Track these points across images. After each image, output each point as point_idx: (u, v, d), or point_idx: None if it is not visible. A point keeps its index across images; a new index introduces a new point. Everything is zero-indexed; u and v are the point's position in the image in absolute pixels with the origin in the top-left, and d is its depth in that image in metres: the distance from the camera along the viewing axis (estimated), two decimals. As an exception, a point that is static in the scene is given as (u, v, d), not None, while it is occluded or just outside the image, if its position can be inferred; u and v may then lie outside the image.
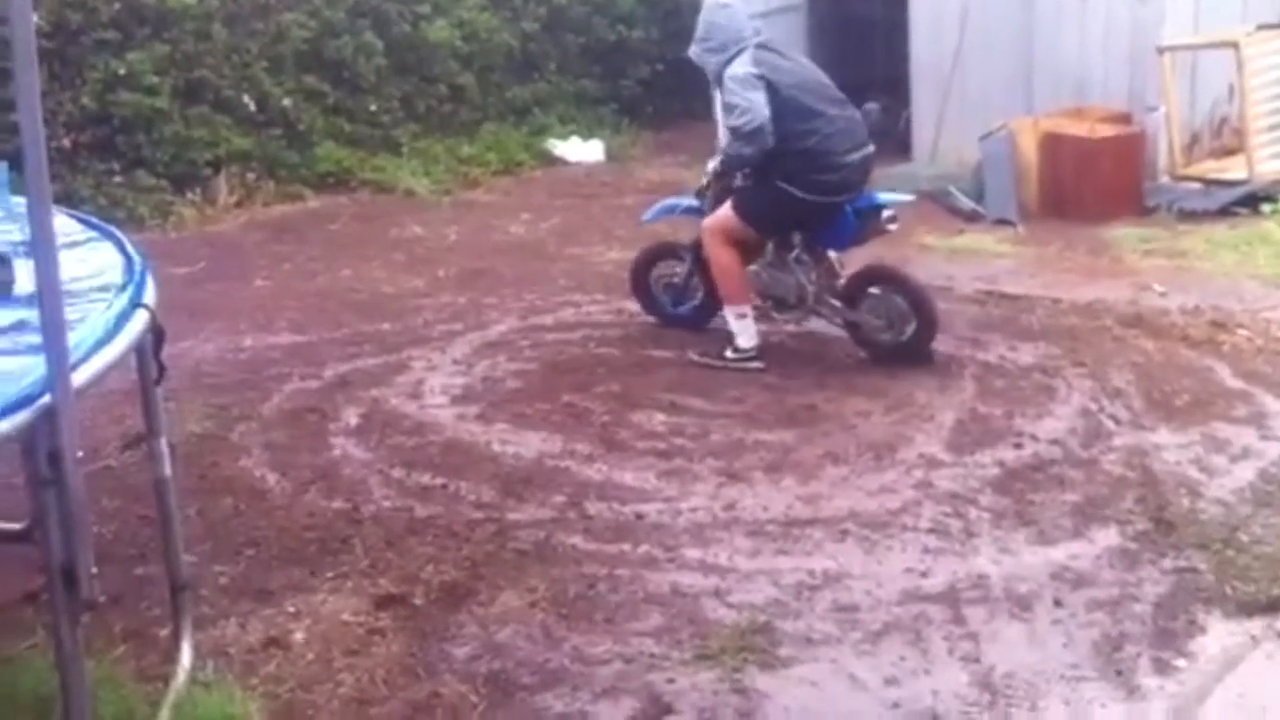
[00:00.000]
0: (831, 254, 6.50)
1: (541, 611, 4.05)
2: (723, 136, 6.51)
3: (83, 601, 2.83)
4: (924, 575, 4.25)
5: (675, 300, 6.97)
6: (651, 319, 7.04)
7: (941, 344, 6.53)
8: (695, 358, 6.42)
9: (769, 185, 6.20)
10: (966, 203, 9.72)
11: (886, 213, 6.37)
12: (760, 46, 6.20)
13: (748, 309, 6.39)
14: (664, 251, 7.06)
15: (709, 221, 6.44)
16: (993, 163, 9.72)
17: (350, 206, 10.61)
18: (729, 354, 6.35)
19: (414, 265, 8.69)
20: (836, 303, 6.45)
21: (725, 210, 6.38)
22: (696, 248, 6.69)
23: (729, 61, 6.16)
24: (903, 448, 5.31)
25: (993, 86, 10.46)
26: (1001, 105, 10.15)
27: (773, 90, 6.05)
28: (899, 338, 6.29)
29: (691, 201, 6.84)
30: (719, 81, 6.25)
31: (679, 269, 6.90)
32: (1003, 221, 9.37)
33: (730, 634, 3.89)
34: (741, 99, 6.05)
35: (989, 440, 5.36)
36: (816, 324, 6.66)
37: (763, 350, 6.36)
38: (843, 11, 12.77)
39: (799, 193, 6.13)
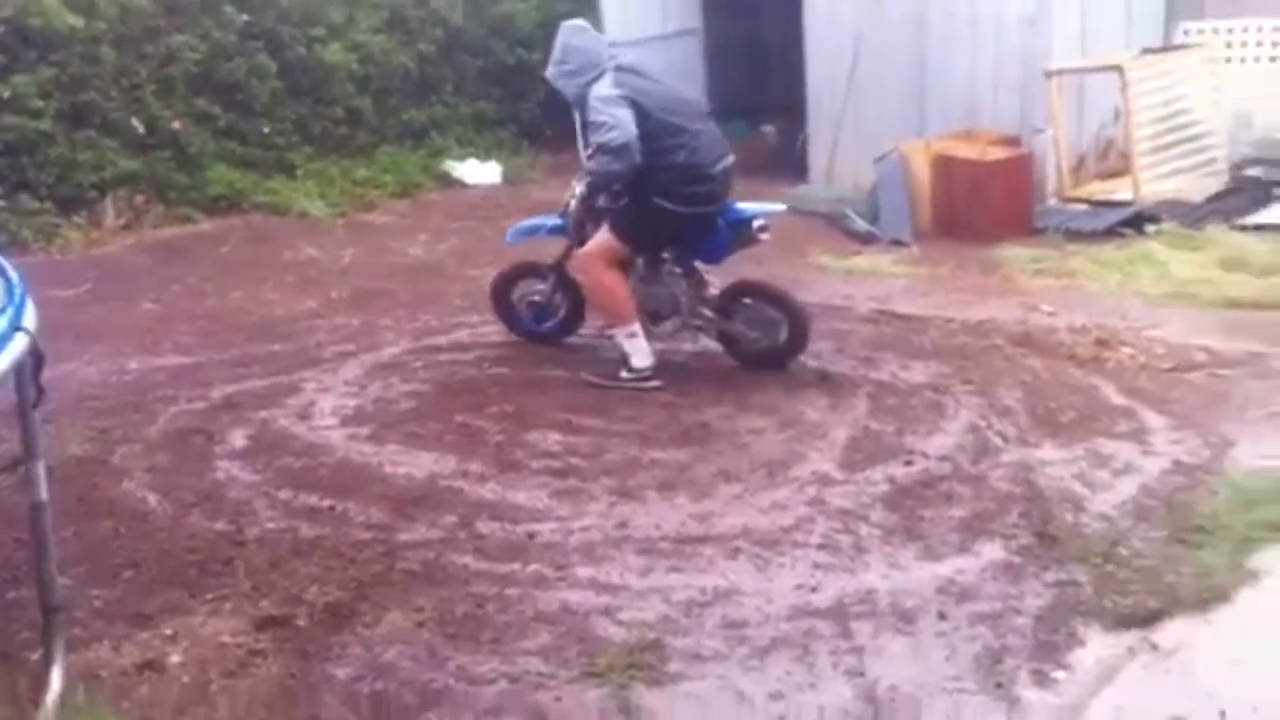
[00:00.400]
0: (700, 267, 6.63)
1: (428, 632, 3.99)
2: (585, 159, 6.52)
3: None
4: (813, 591, 4.25)
5: (538, 317, 7.05)
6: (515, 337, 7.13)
7: (835, 363, 6.61)
8: (590, 379, 6.41)
9: (645, 202, 6.26)
10: (862, 224, 9.86)
11: (757, 222, 6.45)
12: (620, 69, 6.29)
13: (638, 328, 6.42)
14: (525, 271, 7.13)
15: (587, 250, 6.47)
16: (887, 184, 9.88)
17: (242, 229, 10.46)
18: (624, 374, 6.37)
19: (307, 287, 8.58)
20: (709, 314, 6.57)
21: (602, 235, 6.42)
22: (559, 267, 6.85)
23: (590, 84, 6.24)
24: (795, 465, 5.33)
25: (886, 110, 10.66)
26: (895, 128, 10.35)
27: (640, 110, 6.13)
28: (773, 344, 6.48)
29: (555, 221, 6.89)
30: (580, 104, 6.32)
31: (541, 287, 7.00)
32: (897, 242, 9.52)
33: (619, 651, 3.86)
34: (609, 115, 6.12)
35: (880, 457, 5.40)
36: (708, 342, 6.68)
37: (658, 369, 6.38)
38: (739, 36, 12.95)
39: (674, 206, 6.24)
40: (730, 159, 6.39)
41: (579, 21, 6.55)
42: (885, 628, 4.00)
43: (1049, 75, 9.84)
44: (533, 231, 7.13)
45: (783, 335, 6.46)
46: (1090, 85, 10.33)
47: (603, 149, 6.17)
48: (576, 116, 6.53)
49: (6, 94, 9.71)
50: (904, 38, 10.65)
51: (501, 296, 7.14)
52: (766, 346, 6.48)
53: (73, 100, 10.17)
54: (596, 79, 6.24)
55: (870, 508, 4.90)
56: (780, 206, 7.06)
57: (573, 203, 6.65)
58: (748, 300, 6.52)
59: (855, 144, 10.72)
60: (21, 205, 9.66)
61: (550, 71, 6.46)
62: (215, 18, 11.20)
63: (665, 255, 6.55)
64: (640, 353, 6.38)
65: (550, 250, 6.98)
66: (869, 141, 10.40)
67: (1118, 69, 9.81)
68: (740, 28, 12.90)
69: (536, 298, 7.01)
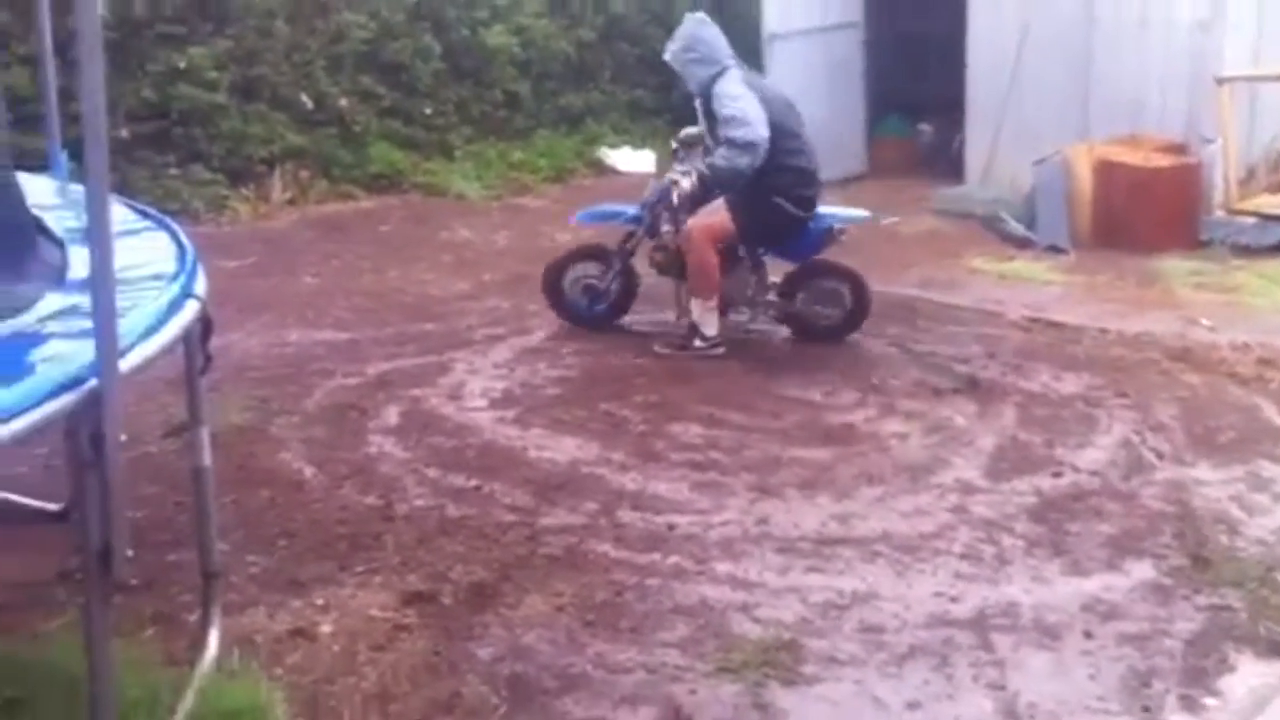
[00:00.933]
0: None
1: (567, 616, 4.05)
2: (709, 150, 6.69)
3: (115, 583, 2.86)
4: (954, 600, 4.21)
5: (591, 301, 7.22)
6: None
7: (985, 370, 6.51)
8: (661, 350, 6.75)
9: (764, 199, 6.52)
10: (1018, 228, 9.67)
11: (838, 227, 6.86)
12: (741, 69, 6.56)
13: (715, 302, 6.73)
14: (585, 254, 7.37)
15: (700, 223, 6.65)
16: (1045, 189, 9.68)
17: (401, 208, 10.70)
18: (697, 343, 6.71)
19: (461, 268, 8.74)
20: (775, 299, 6.96)
21: (720, 216, 6.64)
22: (627, 253, 7.15)
23: (716, 76, 6.39)
24: (940, 471, 5.28)
25: (1048, 111, 10.42)
26: (1056, 130, 10.12)
27: (766, 109, 6.35)
28: (842, 313, 6.93)
29: (633, 212, 7.14)
30: (705, 93, 6.46)
31: (596, 270, 7.20)
32: (1053, 248, 9.32)
33: (754, 649, 3.87)
34: (739, 110, 6.26)
35: (1028, 468, 5.31)
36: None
37: (722, 340, 6.77)
38: (899, 30, 12.76)
39: (790, 208, 6.57)
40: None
41: (703, 15, 6.75)
42: (1027, 642, 3.94)
43: (1220, 82, 9.50)
44: (607, 217, 7.42)
45: (848, 302, 6.88)
46: (1263, 94, 9.96)
47: (732, 143, 6.29)
48: (698, 106, 6.69)
49: (183, 64, 10.06)
50: (1071, 36, 10.38)
51: (554, 278, 7.29)
52: (837, 317, 6.91)
53: (245, 73, 10.51)
54: (722, 73, 6.41)
55: (1015, 519, 4.83)
56: (865, 214, 7.31)
57: (673, 191, 6.76)
58: (813, 281, 6.91)
59: (1014, 145, 10.50)
60: (194, 175, 10.02)
61: (673, 56, 6.61)
62: (385, -3, 11.46)
63: (741, 249, 6.84)
64: (712, 324, 6.71)
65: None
66: (1029, 143, 10.19)
67: (1295, 78, 9.45)
68: (901, 21, 12.72)
69: (592, 281, 7.19)
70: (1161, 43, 9.95)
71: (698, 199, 6.70)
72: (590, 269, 7.23)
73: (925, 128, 12.66)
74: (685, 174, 6.73)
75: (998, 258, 9.13)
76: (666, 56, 6.71)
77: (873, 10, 12.47)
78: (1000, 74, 10.73)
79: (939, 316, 7.61)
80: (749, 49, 11.67)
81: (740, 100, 6.32)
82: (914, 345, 6.97)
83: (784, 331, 7.12)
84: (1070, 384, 6.33)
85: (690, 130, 7.01)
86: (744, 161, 6.30)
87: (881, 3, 12.51)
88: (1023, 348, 6.96)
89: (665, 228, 6.92)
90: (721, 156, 6.40)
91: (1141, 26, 10.03)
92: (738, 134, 6.27)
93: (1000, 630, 4.01)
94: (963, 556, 4.52)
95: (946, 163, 11.71)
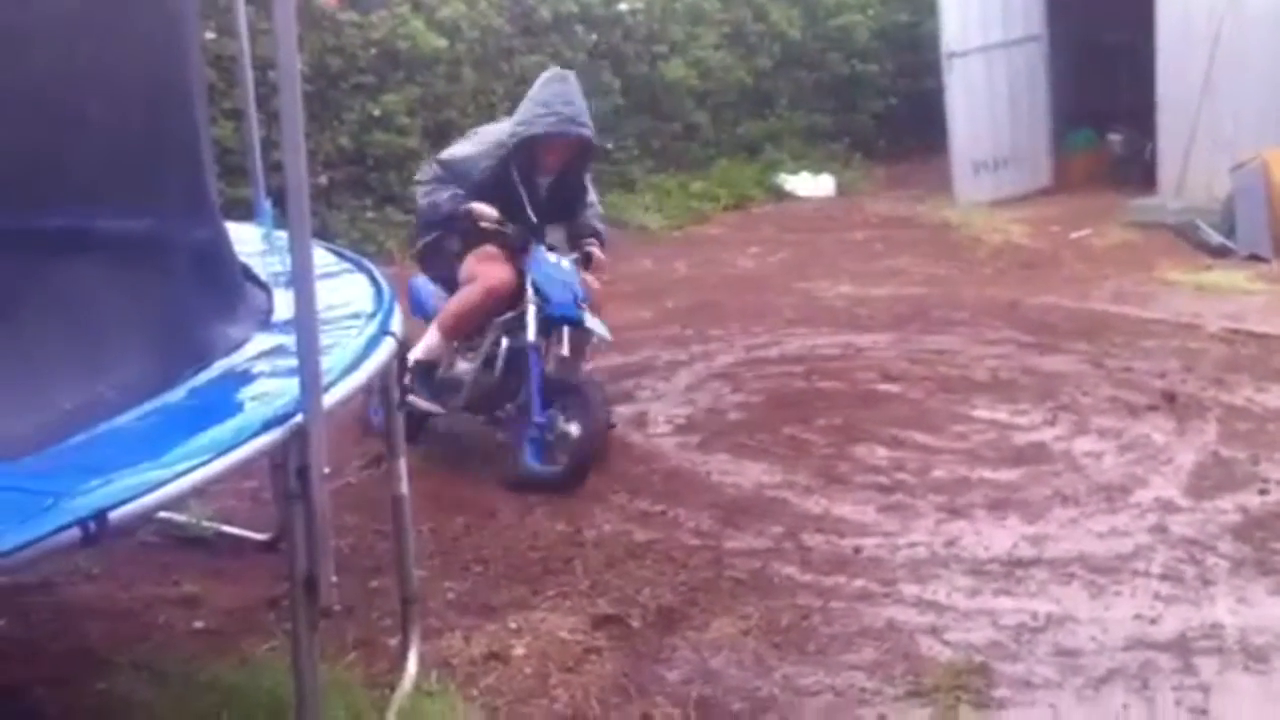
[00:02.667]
0: None
1: (754, 640, 4.07)
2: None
3: (320, 609, 2.99)
4: (1153, 622, 4.08)
5: None
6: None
7: (1183, 384, 6.30)
8: None
9: None
10: (1215, 237, 9.34)
11: None
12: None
13: None
14: None
15: None
16: (1245, 195, 9.32)
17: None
18: None
19: (642, 297, 8.84)
20: None
21: None
22: None
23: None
24: (1137, 490, 5.13)
25: (1244, 115, 10.04)
26: (1254, 135, 9.74)
27: None
28: None
29: None
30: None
31: None
32: (1254, 257, 8.97)
33: (945, 672, 3.82)
34: None
35: (1231, 485, 5.13)
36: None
37: None
38: (1085, 40, 12.45)
39: None
40: None
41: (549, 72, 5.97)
42: (1232, 665, 3.80)
43: None
44: None
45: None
46: None
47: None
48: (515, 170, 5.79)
49: (377, 112, 10.45)
50: (1265, 37, 10.00)
51: None
52: None
53: (435, 118, 10.86)
54: None
55: (1218, 538, 4.66)
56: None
57: None
58: None
59: (1209, 152, 10.14)
60: (389, 218, 10.38)
61: (582, 129, 5.79)
62: (566, 37, 11.72)
63: None
64: None
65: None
66: (1224, 149, 9.83)
67: None
68: (1086, 31, 12.41)
69: None
70: (1367, 36, 9.50)
71: None
72: None
73: (1115, 138, 12.32)
74: None
75: (1194, 268, 8.82)
76: (557, 124, 5.71)
77: (1057, 22, 12.20)
78: (1192, 80, 10.38)
79: (1133, 330, 7.39)
80: (932, 70, 11.59)
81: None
82: (1107, 361, 6.78)
83: None
84: (1275, 397, 6.08)
85: (484, 208, 5.65)
86: None
87: (1066, 14, 12.24)
88: (1223, 361, 6.71)
89: None
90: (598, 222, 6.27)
91: (1341, 23, 9.61)
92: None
93: (1203, 653, 3.88)
94: (1163, 577, 4.38)
95: (1138, 173, 11.37)
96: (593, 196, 6.18)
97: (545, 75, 5.90)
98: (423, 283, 5.95)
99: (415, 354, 5.42)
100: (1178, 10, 10.51)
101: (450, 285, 5.76)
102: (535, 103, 5.71)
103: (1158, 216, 10.11)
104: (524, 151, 5.71)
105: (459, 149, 5.93)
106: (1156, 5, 10.62)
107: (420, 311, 5.82)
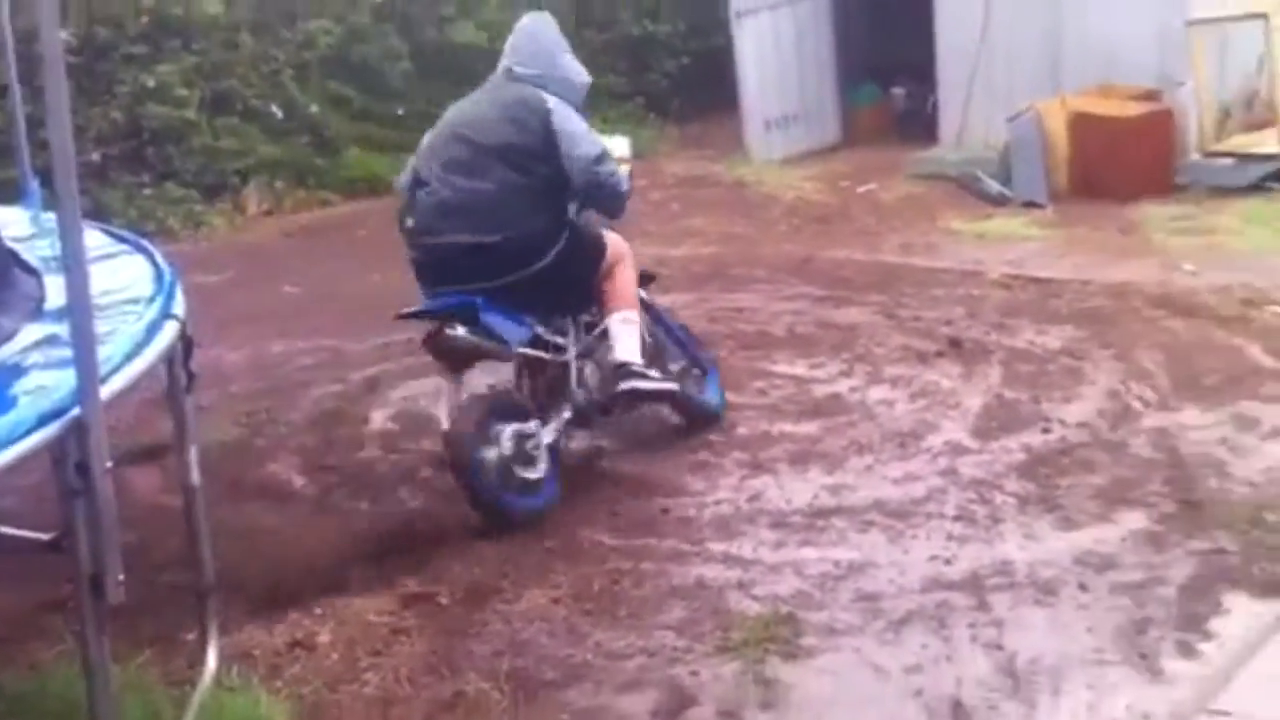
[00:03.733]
0: None
1: (565, 608, 4.06)
2: None
3: (110, 608, 2.88)
4: (948, 563, 4.23)
5: None
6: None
7: (968, 330, 6.53)
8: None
9: None
10: (994, 186, 9.69)
11: None
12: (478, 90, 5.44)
13: None
14: None
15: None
16: (1020, 145, 9.70)
17: (379, 212, 10.59)
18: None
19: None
20: None
21: None
22: None
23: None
24: (928, 435, 5.30)
25: (1019, 68, 10.43)
26: (1029, 87, 10.14)
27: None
28: None
29: None
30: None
31: None
32: (1031, 204, 9.35)
33: (754, 625, 3.88)
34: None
35: (1015, 426, 5.33)
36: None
37: None
38: (866, -3, 12.74)
39: None
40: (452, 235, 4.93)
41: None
42: (1023, 600, 3.97)
43: (1189, 25, 9.51)
44: None
45: None
46: (1233, 35, 9.96)
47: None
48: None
49: (152, 83, 10.04)
50: (1037, -8, 10.39)
51: None
52: None
53: (214, 88, 10.49)
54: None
55: (1005, 477, 4.85)
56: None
57: None
58: None
59: (987, 104, 10.51)
60: (168, 194, 10.01)
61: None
62: (349, 0, 11.42)
63: None
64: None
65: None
66: (1001, 101, 10.21)
67: (1263, 17, 9.45)
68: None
69: None
70: (1129, -10, 9.94)
71: None
72: None
73: (898, 92, 12.65)
74: None
75: (976, 217, 9.16)
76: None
77: (838, -22, 12.45)
78: (969, 34, 10.72)
79: (921, 280, 7.63)
80: (721, 27, 11.69)
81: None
82: (898, 311, 6.98)
83: None
84: (1054, 338, 6.35)
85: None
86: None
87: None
88: (1005, 305, 6.98)
89: None
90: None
91: (1108, -25, 10.03)
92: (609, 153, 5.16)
93: (996, 590, 4.03)
94: (955, 519, 4.55)
95: (922, 126, 11.71)
96: None
97: (531, 22, 5.52)
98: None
99: (633, 350, 4.98)
100: (954, -34, 10.83)
101: None
102: (565, 51, 5.38)
103: (940, 168, 10.44)
104: None
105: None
106: (934, -38, 10.93)
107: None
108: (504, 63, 5.30)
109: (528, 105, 5.01)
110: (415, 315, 4.99)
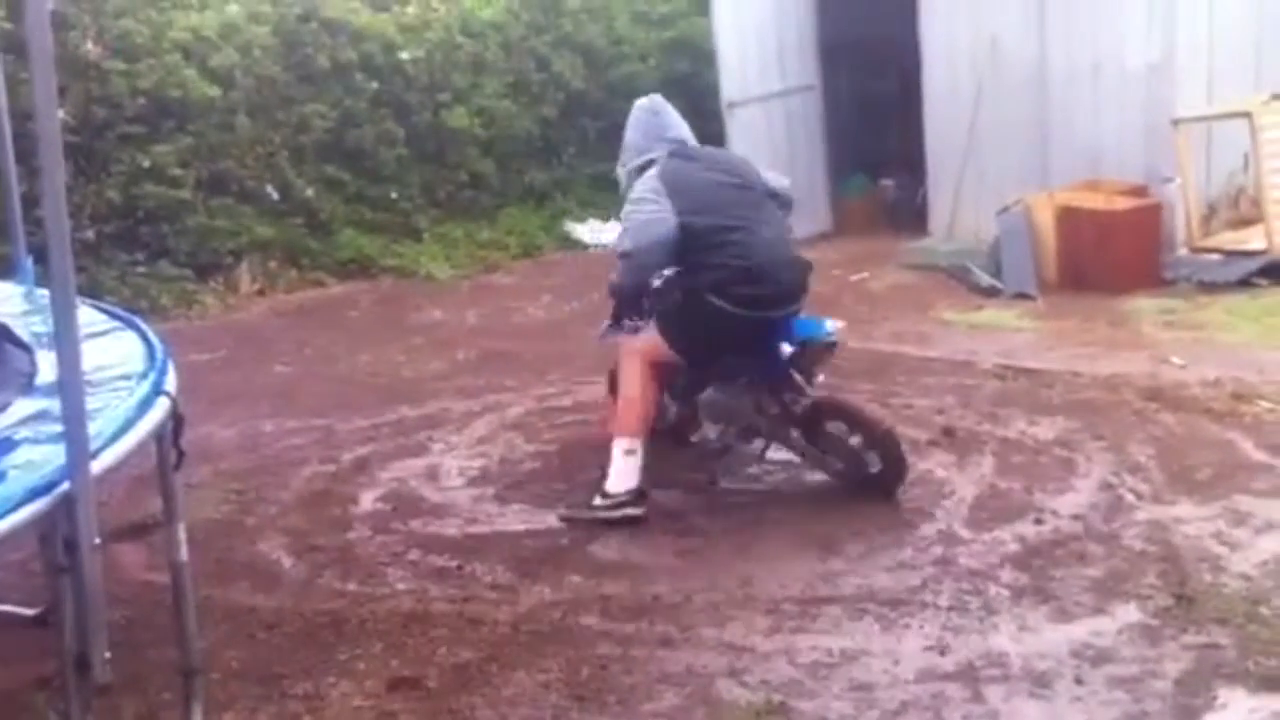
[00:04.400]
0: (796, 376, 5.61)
1: (555, 693, 4.01)
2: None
3: (95, 687, 2.84)
4: (942, 653, 4.19)
5: None
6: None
7: (961, 419, 6.53)
8: (564, 514, 5.52)
9: (695, 299, 5.38)
10: (985, 278, 9.75)
11: (825, 339, 5.63)
12: (679, 154, 5.66)
13: (637, 444, 5.47)
14: None
15: (633, 342, 5.65)
16: (1010, 237, 9.76)
17: (371, 292, 10.73)
18: (596, 501, 5.45)
19: (433, 349, 8.75)
20: (796, 434, 5.66)
21: (649, 333, 5.60)
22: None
23: (638, 173, 5.62)
24: (922, 524, 5.27)
25: (1008, 162, 10.54)
26: (1017, 180, 10.23)
27: (681, 202, 5.41)
28: (863, 476, 5.54)
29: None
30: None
31: None
32: (1021, 295, 9.39)
33: (744, 714, 3.84)
34: (626, 218, 5.50)
35: (1009, 516, 5.31)
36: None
37: (643, 494, 5.45)
38: (857, 91, 12.92)
39: (729, 306, 5.35)
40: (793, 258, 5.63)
41: (648, 99, 5.94)
42: (1018, 692, 3.92)
43: (1175, 123, 9.65)
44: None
45: (873, 467, 5.52)
46: (1219, 132, 10.10)
47: (621, 256, 5.54)
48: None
49: (147, 163, 10.12)
50: (1025, 88, 10.53)
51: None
52: (859, 478, 5.56)
53: (210, 168, 10.57)
54: (645, 168, 5.57)
55: (999, 568, 4.81)
56: (832, 328, 5.70)
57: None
58: (830, 425, 5.59)
59: (977, 197, 10.61)
60: (161, 272, 10.04)
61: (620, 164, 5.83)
62: (346, 85, 11.56)
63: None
64: (629, 475, 5.41)
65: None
66: (991, 194, 10.30)
67: (1247, 115, 9.59)
68: (858, 83, 12.89)
69: None
70: (1115, 88, 10.09)
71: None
72: None
73: (888, 184, 12.79)
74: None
75: (967, 308, 9.20)
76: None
77: (830, 74, 12.63)
78: (958, 128, 10.86)
79: (913, 369, 7.64)
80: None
81: (632, 206, 5.45)
82: (890, 399, 6.98)
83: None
84: (1046, 429, 6.34)
85: None
86: (626, 277, 5.50)
87: (838, 64, 12.68)
88: (997, 395, 6.99)
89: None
90: (613, 271, 5.64)
91: (1094, 73, 10.18)
92: (620, 246, 5.52)
93: (990, 681, 3.99)
94: (949, 609, 4.50)
95: (912, 217, 11.82)
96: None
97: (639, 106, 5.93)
98: None
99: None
100: (942, 64, 10.99)
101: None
102: (651, 138, 5.73)
103: (931, 259, 10.52)
104: None
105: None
106: (923, 60, 11.09)
107: None
108: (673, 137, 5.75)
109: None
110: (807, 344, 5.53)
